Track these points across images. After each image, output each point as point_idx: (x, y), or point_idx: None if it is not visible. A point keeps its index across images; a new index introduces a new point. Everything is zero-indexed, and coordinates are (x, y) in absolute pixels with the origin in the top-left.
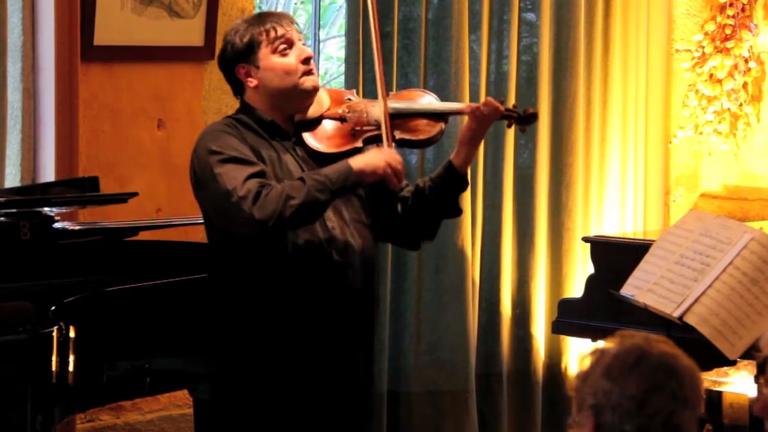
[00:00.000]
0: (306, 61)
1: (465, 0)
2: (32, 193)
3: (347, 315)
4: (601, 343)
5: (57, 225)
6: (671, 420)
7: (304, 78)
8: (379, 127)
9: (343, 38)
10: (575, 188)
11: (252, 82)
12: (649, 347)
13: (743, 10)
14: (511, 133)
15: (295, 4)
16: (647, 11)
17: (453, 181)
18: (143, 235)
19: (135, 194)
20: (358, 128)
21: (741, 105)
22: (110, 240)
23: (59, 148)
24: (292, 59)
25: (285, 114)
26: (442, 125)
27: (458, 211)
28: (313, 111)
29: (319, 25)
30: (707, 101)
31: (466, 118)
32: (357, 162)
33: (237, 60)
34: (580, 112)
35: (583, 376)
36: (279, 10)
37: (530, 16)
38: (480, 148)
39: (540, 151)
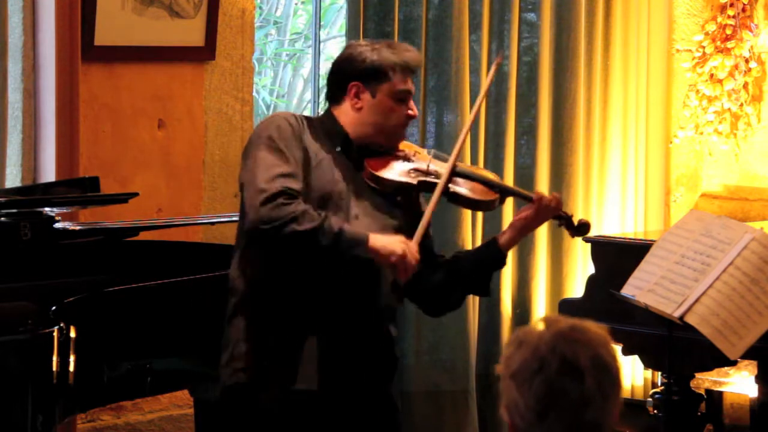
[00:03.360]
0: (410, 117)
1: (465, 0)
2: (33, 193)
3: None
4: (525, 330)
5: (58, 225)
6: (578, 420)
7: (403, 129)
8: (437, 177)
9: (344, 38)
10: (575, 188)
11: (357, 104)
12: (553, 349)
13: (744, 10)
14: (511, 133)
15: (296, 4)
16: (648, 11)
17: (492, 257)
18: (144, 236)
19: (135, 194)
20: (418, 170)
21: (741, 105)
22: (111, 240)
23: (60, 149)
24: (402, 112)
25: (362, 143)
26: (497, 197)
27: (487, 292)
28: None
29: (320, 25)
30: (708, 101)
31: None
32: (375, 240)
33: (358, 77)
34: (580, 112)
35: (501, 369)
36: (280, 11)
37: (531, 16)
38: (480, 148)
39: (540, 151)
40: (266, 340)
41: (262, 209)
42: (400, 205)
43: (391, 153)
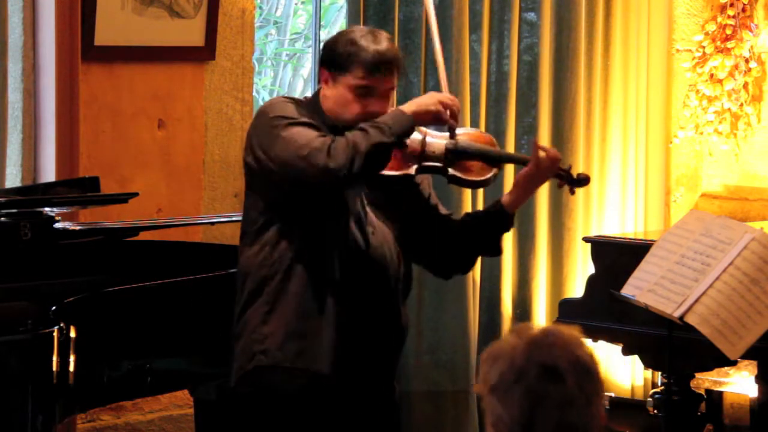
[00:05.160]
0: (372, 115)
1: (465, 0)
2: (33, 193)
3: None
4: (497, 345)
5: (58, 225)
6: (564, 422)
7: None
8: (435, 159)
9: None
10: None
11: (323, 90)
12: (528, 358)
13: (744, 10)
14: (511, 134)
15: (296, 4)
16: (648, 11)
17: (499, 219)
18: (144, 235)
19: (135, 194)
20: (414, 155)
21: (741, 105)
22: (111, 240)
23: (60, 148)
24: (358, 107)
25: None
26: (496, 171)
27: (498, 251)
28: None
29: (320, 25)
30: (708, 101)
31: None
32: (409, 106)
33: (326, 63)
34: (580, 112)
35: (480, 389)
36: (280, 11)
37: (531, 15)
38: None
39: None
40: (285, 321)
41: (329, 163)
42: (402, 192)
43: None
